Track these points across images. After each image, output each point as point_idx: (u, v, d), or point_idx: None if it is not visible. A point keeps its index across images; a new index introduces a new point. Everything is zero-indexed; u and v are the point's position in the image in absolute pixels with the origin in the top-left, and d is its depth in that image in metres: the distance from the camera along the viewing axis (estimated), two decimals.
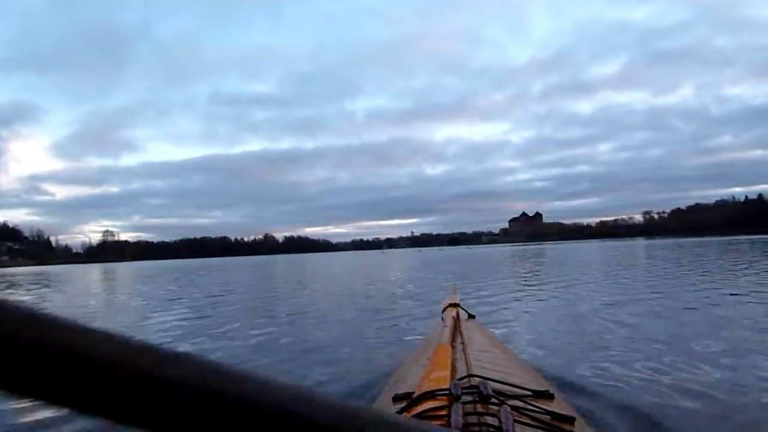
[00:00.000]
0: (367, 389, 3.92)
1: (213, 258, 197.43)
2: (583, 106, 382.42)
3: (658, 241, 78.02)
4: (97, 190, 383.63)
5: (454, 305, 3.89)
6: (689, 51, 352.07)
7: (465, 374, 1.85)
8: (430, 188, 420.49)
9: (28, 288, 24.20)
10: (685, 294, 9.51)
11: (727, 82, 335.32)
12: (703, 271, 14.38)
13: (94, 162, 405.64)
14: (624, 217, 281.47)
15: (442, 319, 3.46)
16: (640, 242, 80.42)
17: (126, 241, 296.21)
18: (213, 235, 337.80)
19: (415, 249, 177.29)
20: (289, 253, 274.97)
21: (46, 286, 26.01)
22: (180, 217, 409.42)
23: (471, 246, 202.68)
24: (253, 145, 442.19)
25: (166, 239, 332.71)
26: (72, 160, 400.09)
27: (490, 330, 4.27)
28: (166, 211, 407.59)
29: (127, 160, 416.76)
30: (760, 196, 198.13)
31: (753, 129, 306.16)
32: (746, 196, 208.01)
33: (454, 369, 1.93)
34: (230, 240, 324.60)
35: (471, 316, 3.85)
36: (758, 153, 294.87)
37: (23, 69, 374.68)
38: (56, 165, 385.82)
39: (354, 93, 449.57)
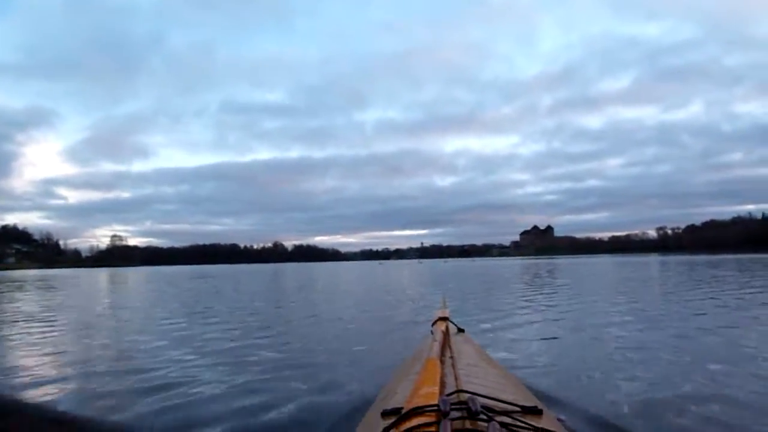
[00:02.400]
0: (354, 404, 3.75)
1: (221, 264, 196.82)
2: (592, 121, 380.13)
3: (672, 258, 75.69)
4: (109, 195, 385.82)
5: (444, 319, 3.83)
6: (699, 68, 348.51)
7: (454, 389, 1.85)
8: (440, 200, 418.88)
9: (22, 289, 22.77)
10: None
11: (738, 100, 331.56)
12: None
13: (107, 167, 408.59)
14: (637, 232, 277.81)
15: (432, 332, 3.36)
16: (654, 258, 78.10)
17: (135, 246, 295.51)
18: (222, 242, 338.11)
19: (416, 260, 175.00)
20: (297, 261, 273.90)
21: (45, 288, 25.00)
22: (190, 224, 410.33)
23: (477, 258, 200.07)
24: (263, 153, 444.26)
25: (176, 245, 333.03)
26: (85, 165, 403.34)
27: (480, 344, 4.07)
28: (177, 217, 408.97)
29: (139, 166, 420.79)
30: None
31: (764, 146, 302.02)
32: (763, 213, 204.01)
33: (443, 384, 1.94)
34: (239, 247, 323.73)
35: (461, 330, 3.81)
36: None
37: (38, 75, 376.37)
38: (70, 169, 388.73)
39: (363, 104, 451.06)
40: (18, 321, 11.22)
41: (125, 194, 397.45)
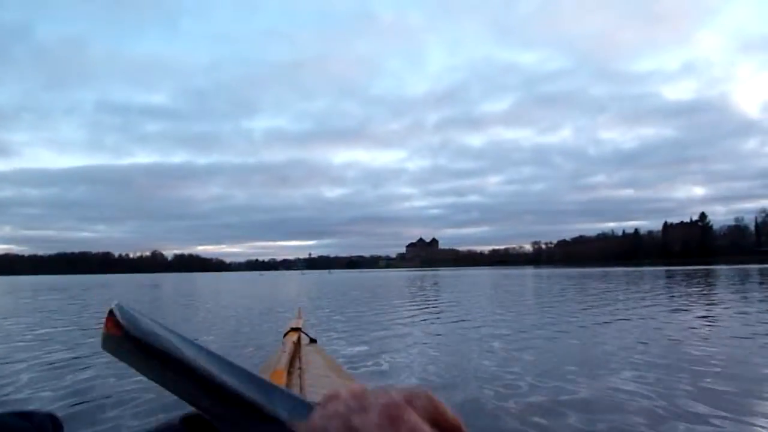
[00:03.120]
0: None
1: (92, 275, 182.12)
2: (475, 140, 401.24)
3: (545, 270, 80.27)
4: None
5: (296, 329, 3.81)
6: (569, 96, 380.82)
7: None
8: (328, 211, 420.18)
9: None
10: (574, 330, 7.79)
11: (601, 127, 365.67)
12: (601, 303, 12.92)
13: None
14: (515, 246, 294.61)
15: (283, 343, 3.32)
16: (529, 271, 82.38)
17: None
18: (94, 250, 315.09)
19: (298, 272, 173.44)
20: (179, 271, 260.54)
21: None
22: (58, 230, 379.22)
23: (364, 270, 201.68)
24: (143, 157, 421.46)
25: (40, 252, 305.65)
26: None
27: (331, 355, 4.09)
28: (42, 222, 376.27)
29: None
30: (636, 231, 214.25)
31: (623, 170, 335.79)
32: (624, 231, 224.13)
33: None
34: (113, 256, 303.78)
35: (312, 341, 3.80)
36: (628, 192, 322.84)
37: None
38: None
39: (252, 111, 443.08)
40: None
41: None
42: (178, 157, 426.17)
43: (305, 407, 0.40)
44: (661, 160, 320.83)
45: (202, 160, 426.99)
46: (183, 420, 0.36)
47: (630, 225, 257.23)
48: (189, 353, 0.44)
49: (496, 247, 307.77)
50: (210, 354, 0.46)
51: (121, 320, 0.44)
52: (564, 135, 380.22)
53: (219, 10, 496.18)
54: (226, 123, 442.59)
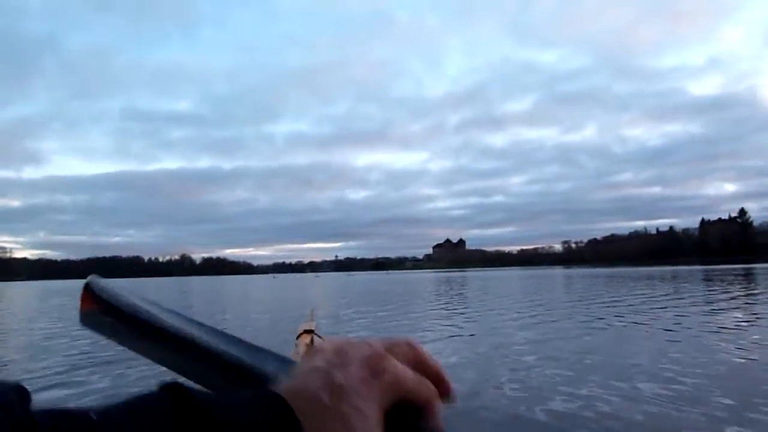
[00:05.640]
0: None
1: (122, 278, 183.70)
2: (497, 140, 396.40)
3: (576, 270, 77.18)
4: None
5: (309, 332, 3.98)
6: (591, 94, 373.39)
7: None
8: (353, 213, 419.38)
9: None
10: None
11: (626, 125, 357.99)
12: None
13: None
14: (544, 245, 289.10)
15: (296, 345, 3.49)
16: (559, 271, 79.45)
17: (24, 259, 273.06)
18: (125, 255, 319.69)
19: (313, 275, 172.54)
20: (207, 274, 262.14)
21: None
22: (89, 235, 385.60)
23: (390, 271, 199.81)
24: (169, 163, 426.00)
25: (73, 257, 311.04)
26: None
27: None
28: (74, 228, 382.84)
29: (30, 173, 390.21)
30: (671, 228, 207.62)
31: (650, 168, 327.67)
32: (657, 229, 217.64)
33: None
34: (143, 260, 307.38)
35: None
36: (656, 190, 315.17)
37: None
38: None
39: (274, 116, 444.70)
40: None
41: (14, 203, 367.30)
42: (204, 162, 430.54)
43: (292, 366, 0.40)
44: (689, 157, 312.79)
45: (226, 164, 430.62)
46: (162, 388, 0.32)
47: (661, 223, 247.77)
48: (170, 321, 0.43)
49: (525, 247, 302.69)
50: (192, 321, 0.45)
51: (99, 293, 0.44)
52: (587, 134, 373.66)
53: (238, 18, 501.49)
54: (249, 128, 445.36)
